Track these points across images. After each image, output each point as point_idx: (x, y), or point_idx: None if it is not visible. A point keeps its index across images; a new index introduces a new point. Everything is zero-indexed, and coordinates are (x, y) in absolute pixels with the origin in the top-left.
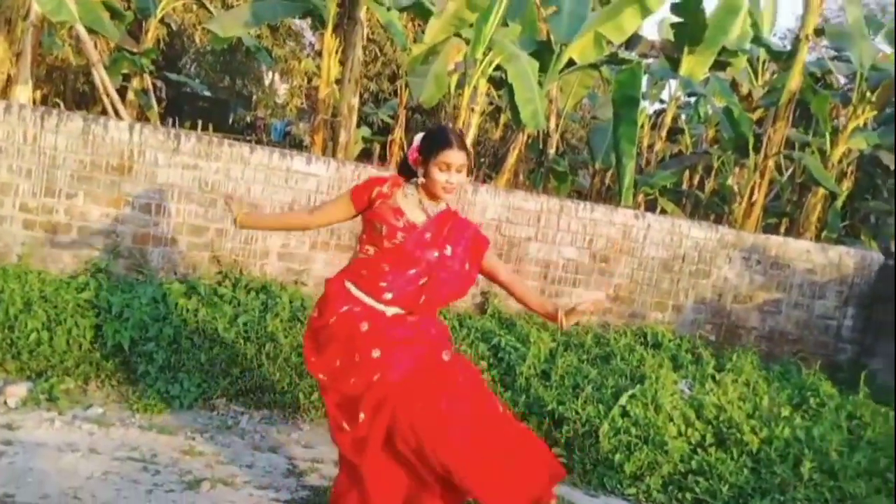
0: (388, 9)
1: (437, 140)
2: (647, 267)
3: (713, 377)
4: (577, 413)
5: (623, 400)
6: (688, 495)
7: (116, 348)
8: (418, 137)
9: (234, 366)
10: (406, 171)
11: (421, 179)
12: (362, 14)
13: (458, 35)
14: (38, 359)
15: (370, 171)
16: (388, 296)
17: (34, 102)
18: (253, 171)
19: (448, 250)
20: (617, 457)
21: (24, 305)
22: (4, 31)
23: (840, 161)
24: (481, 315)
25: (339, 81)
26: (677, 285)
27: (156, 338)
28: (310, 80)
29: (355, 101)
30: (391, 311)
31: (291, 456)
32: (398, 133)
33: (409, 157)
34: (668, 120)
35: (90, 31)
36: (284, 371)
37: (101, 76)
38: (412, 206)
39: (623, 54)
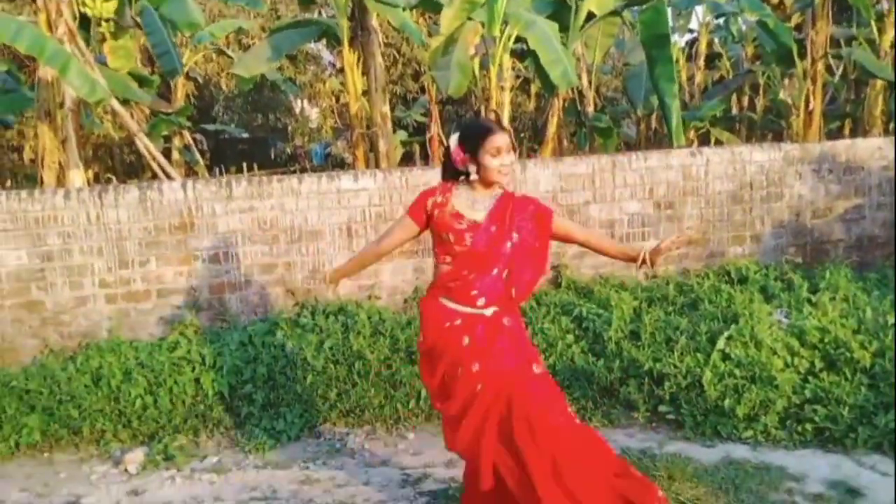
0: (403, 9)
1: (478, 131)
2: (716, 203)
3: (809, 300)
4: (675, 367)
5: (721, 343)
6: (808, 426)
7: (218, 397)
8: (454, 137)
9: (330, 390)
10: (452, 175)
11: (474, 176)
12: (374, 22)
13: (471, 19)
14: (147, 422)
15: (416, 173)
16: (482, 301)
17: (88, 183)
18: (306, 200)
19: (515, 237)
20: (726, 402)
21: (124, 375)
22: (46, 121)
23: (891, 48)
24: (556, 289)
25: (366, 93)
26: (751, 214)
27: (252, 379)
28: (338, 99)
29: (386, 109)
30: (490, 311)
31: (403, 466)
32: (434, 129)
33: (454, 159)
34: (702, 48)
35: (124, 102)
36: (378, 385)
37: (144, 143)
38: (468, 205)
39: None
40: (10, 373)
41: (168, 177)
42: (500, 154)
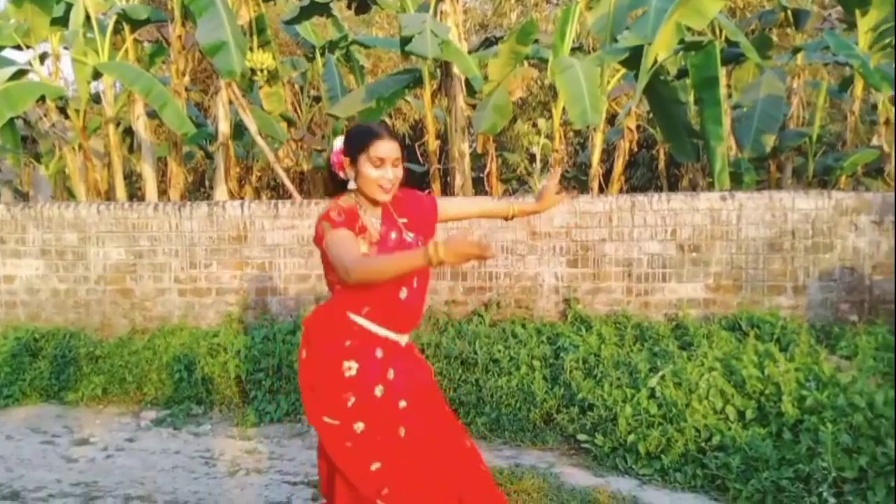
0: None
1: (362, 134)
2: (749, 249)
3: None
4: (603, 399)
5: (652, 382)
6: (702, 471)
7: (236, 379)
8: (340, 140)
9: None
10: (337, 187)
11: (352, 185)
12: (456, 69)
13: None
14: (179, 392)
15: None
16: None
17: (233, 197)
18: None
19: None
20: (631, 437)
21: (174, 354)
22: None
23: None
24: (563, 321)
25: (447, 132)
26: (792, 264)
27: (265, 368)
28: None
29: (465, 147)
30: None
31: None
32: (491, 166)
33: (333, 163)
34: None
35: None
36: None
37: (278, 170)
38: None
39: (693, 38)
40: (94, 341)
41: (290, 197)
42: (382, 165)
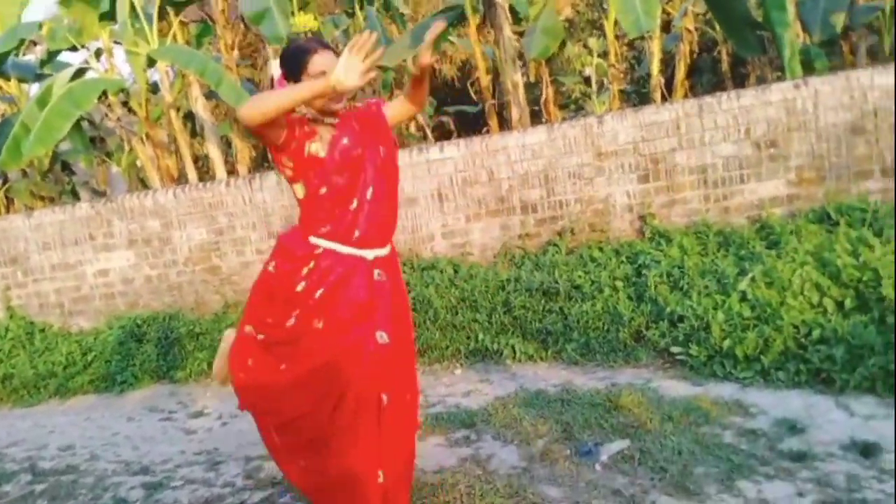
0: None
1: (296, 54)
2: (830, 137)
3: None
4: (692, 309)
5: (742, 285)
6: (804, 367)
7: None
8: (275, 64)
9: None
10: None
11: (304, 110)
12: None
13: None
14: None
15: (495, 139)
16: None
17: None
18: (401, 171)
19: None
20: (727, 343)
21: None
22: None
23: None
24: (641, 238)
25: (496, 66)
26: (877, 145)
27: None
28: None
29: (518, 78)
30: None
31: (428, 394)
32: (547, 92)
33: (277, 86)
34: None
35: None
36: (444, 331)
37: None
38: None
39: None
40: (192, 320)
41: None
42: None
